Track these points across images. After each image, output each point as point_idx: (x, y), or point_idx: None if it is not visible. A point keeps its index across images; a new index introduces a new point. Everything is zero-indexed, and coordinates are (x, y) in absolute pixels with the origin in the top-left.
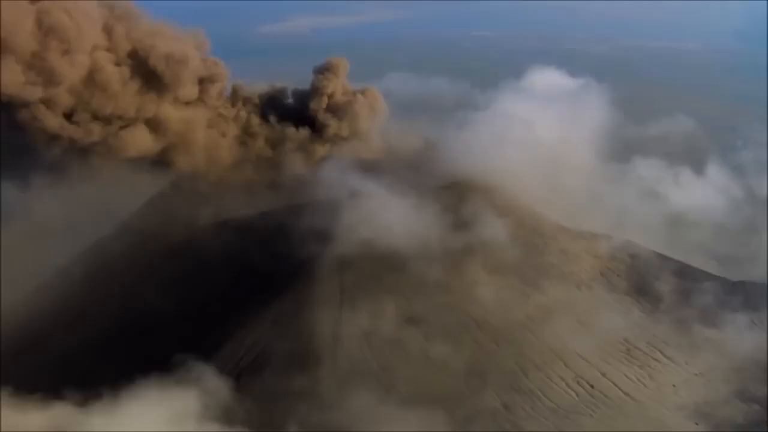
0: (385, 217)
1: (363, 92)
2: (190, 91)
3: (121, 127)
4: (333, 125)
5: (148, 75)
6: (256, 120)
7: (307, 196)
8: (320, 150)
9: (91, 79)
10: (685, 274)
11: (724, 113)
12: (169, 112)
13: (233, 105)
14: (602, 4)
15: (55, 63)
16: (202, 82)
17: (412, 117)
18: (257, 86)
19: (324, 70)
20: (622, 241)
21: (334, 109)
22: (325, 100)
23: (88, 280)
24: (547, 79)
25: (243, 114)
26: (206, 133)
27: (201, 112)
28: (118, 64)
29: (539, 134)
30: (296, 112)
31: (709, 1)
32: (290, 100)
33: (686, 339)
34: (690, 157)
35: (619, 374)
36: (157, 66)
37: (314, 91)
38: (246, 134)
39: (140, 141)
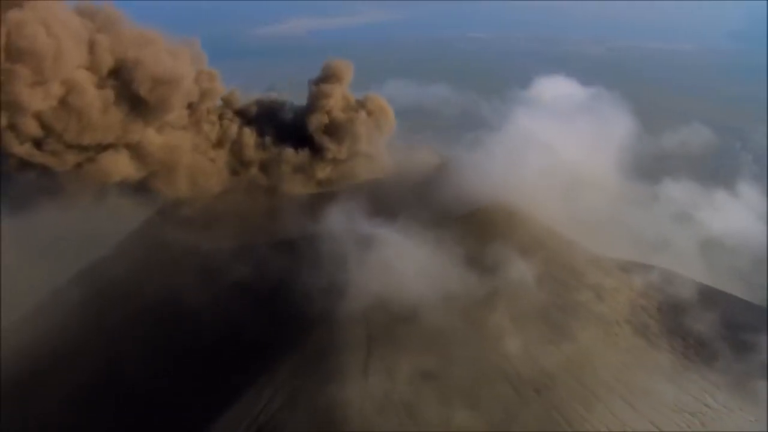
0: (401, 269)
1: (367, 104)
2: (179, 115)
3: (99, 152)
4: (332, 149)
5: (133, 99)
6: (249, 140)
7: (310, 247)
8: (320, 172)
9: (66, 107)
10: (734, 310)
11: (722, 115)
12: (153, 138)
13: (223, 118)
14: (596, 4)
15: (23, 96)
16: (193, 104)
17: (417, 128)
18: (252, 97)
19: (324, 79)
20: (661, 273)
21: (332, 131)
22: (324, 119)
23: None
24: (556, 88)
25: (234, 129)
26: (193, 159)
27: (188, 137)
28: (99, 86)
29: (560, 155)
30: (295, 129)
31: (703, 1)
32: (289, 115)
33: (739, 384)
34: (716, 172)
35: (669, 422)
36: (141, 90)
37: (311, 108)
38: (237, 160)
39: (120, 168)
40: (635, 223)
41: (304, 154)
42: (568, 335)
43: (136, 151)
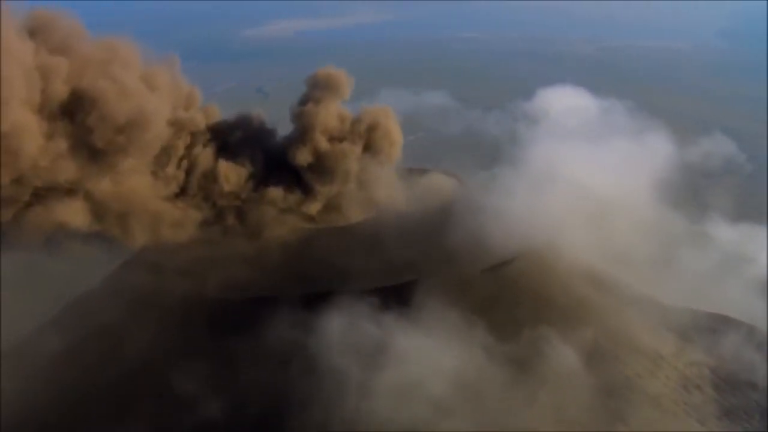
0: (422, 385)
1: (365, 125)
2: (144, 161)
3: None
4: (322, 191)
5: (89, 148)
6: (224, 184)
7: (305, 366)
8: (310, 210)
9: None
10: None
11: (719, 115)
12: (105, 185)
13: (195, 145)
14: (590, 4)
15: None
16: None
17: (417, 146)
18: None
19: (314, 96)
20: (729, 343)
21: (320, 169)
22: (309, 157)
23: None
24: (562, 100)
25: (207, 161)
26: (155, 207)
27: (150, 183)
28: (48, 135)
29: (589, 188)
30: (282, 161)
31: (698, 0)
32: (276, 142)
33: None
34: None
35: None
36: (99, 141)
37: (297, 139)
38: (211, 209)
39: (69, 217)
40: (684, 264)
41: (292, 197)
42: (619, 419)
43: (85, 198)
